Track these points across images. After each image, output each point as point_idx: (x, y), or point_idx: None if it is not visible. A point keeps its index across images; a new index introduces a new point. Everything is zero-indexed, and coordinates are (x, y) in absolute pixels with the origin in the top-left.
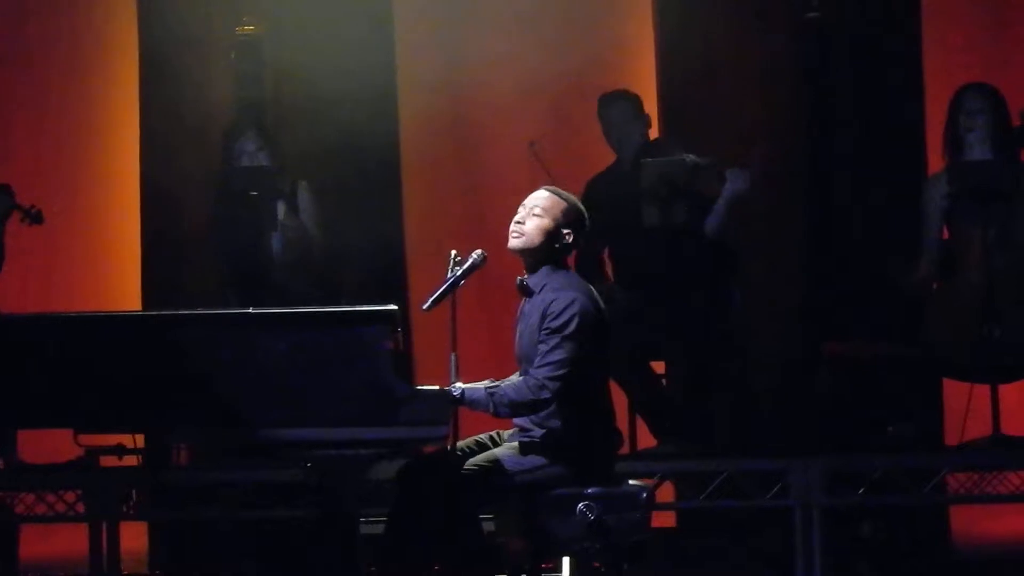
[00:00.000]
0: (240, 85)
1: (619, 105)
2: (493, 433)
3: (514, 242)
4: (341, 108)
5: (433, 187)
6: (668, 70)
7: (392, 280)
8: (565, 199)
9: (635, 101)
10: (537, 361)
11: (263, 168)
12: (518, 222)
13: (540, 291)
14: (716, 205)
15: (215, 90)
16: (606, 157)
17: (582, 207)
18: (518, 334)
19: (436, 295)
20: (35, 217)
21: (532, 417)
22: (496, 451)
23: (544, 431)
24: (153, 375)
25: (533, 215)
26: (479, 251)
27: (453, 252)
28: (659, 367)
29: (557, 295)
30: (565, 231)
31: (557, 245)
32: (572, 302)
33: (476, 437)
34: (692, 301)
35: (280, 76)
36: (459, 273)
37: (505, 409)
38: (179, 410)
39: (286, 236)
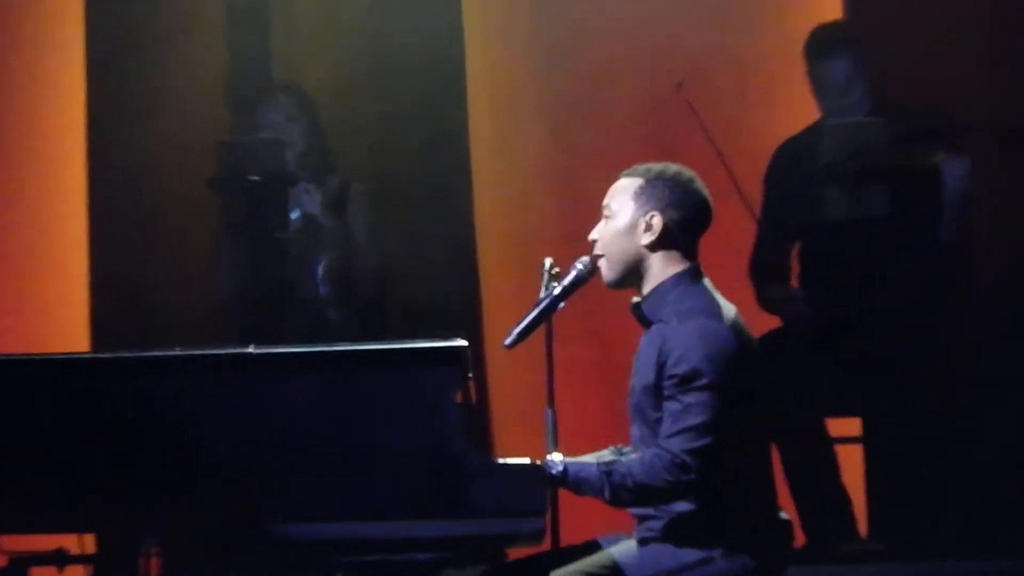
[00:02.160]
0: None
1: (838, 55)
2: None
3: (604, 274)
4: (388, 87)
5: (515, 176)
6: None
7: (460, 304)
8: (641, 172)
9: (857, 50)
10: (666, 427)
11: (300, 142)
12: (594, 240)
13: (658, 317)
14: (946, 203)
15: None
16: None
17: (674, 169)
18: (632, 380)
19: (523, 325)
20: None
21: None
22: (613, 551)
23: (667, 518)
24: (108, 443)
25: (604, 219)
26: (584, 259)
27: (547, 261)
28: (838, 428)
29: (676, 327)
30: (648, 216)
31: (647, 243)
32: (700, 336)
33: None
34: (900, 339)
35: (307, 51)
36: (556, 292)
37: (628, 494)
38: (149, 495)
39: (322, 240)
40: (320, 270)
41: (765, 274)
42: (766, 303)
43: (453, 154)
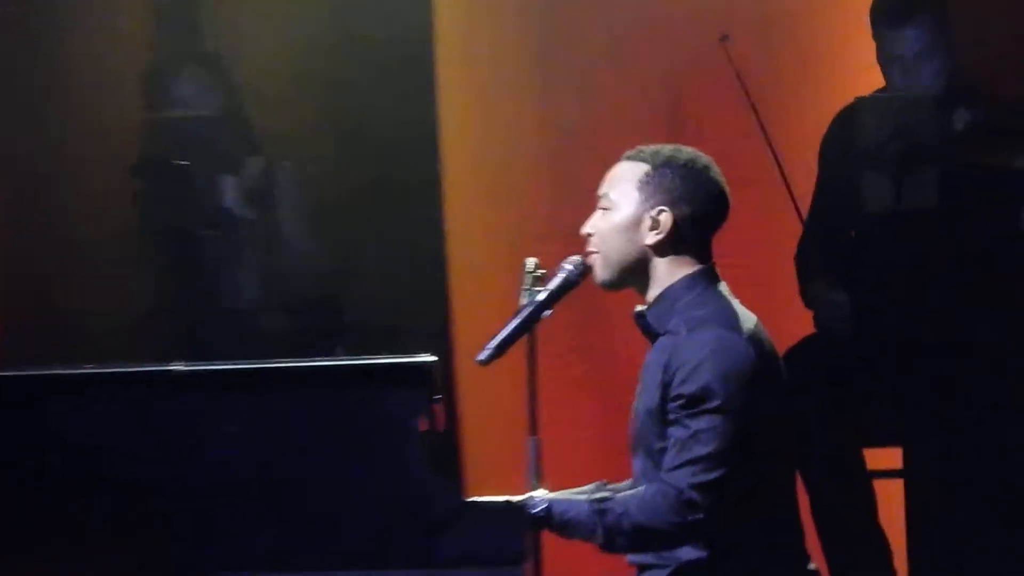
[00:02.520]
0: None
1: (909, 22)
2: None
3: (597, 274)
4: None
5: (493, 160)
6: None
7: (426, 312)
8: (647, 156)
9: (934, 19)
10: (670, 457)
11: (217, 120)
12: (588, 235)
13: (666, 328)
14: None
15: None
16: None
17: (687, 154)
18: (635, 403)
19: (501, 337)
20: None
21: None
22: None
23: (672, 567)
24: (4, 474)
25: (601, 210)
26: (575, 259)
27: (530, 261)
28: (877, 459)
29: (686, 339)
30: (655, 211)
31: (652, 243)
32: (713, 351)
33: None
34: (961, 358)
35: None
36: (541, 298)
37: (624, 538)
38: (49, 539)
39: (241, 237)
40: (241, 272)
41: (808, 266)
42: (808, 300)
43: (419, 135)
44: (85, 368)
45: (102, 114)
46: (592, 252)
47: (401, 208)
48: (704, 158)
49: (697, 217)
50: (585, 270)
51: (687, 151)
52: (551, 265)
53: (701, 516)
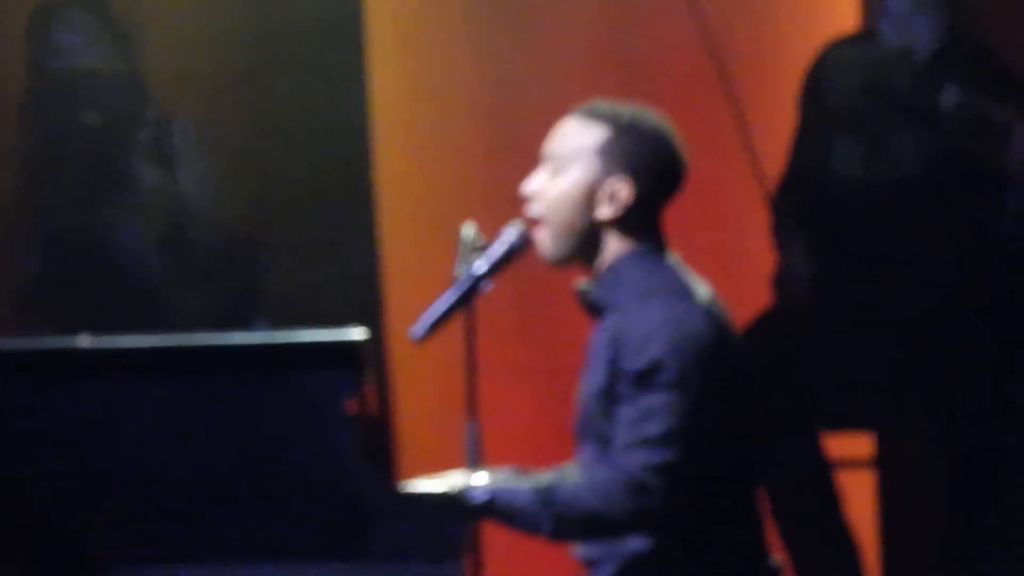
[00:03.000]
0: None
1: None
2: None
3: (539, 245)
4: None
5: (426, 112)
6: None
7: (355, 284)
8: (601, 115)
9: None
10: (621, 438)
11: (102, 70)
12: (531, 196)
13: (613, 303)
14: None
15: None
16: None
17: (652, 120)
18: (581, 386)
19: (437, 311)
20: None
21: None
22: None
23: (619, 560)
24: None
25: (548, 174)
26: (516, 225)
27: (468, 228)
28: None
29: (635, 310)
30: (612, 181)
31: (607, 217)
32: (664, 321)
33: None
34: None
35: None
36: (480, 269)
37: (573, 526)
38: None
39: (150, 205)
40: (135, 239)
41: (781, 231)
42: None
43: (344, 89)
44: None
45: None
46: (535, 219)
47: (324, 169)
48: (667, 125)
49: (656, 190)
50: (527, 241)
51: (650, 117)
52: (490, 231)
53: (656, 501)
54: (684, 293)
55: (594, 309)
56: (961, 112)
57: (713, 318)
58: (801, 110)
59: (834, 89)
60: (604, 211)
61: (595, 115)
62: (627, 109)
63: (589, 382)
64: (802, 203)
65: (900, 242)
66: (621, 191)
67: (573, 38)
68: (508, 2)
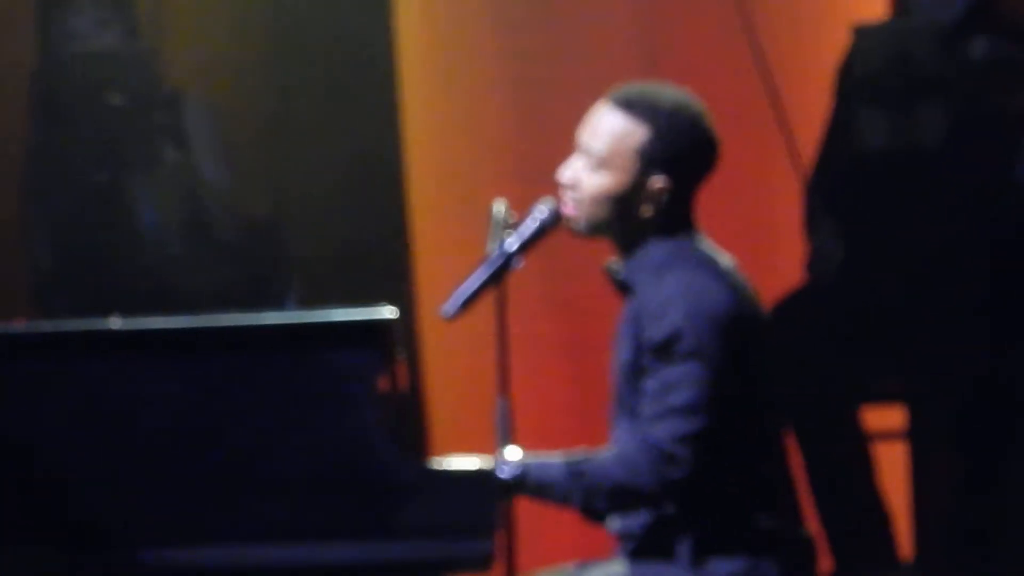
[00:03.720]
0: None
1: None
2: None
3: (572, 222)
4: None
5: (457, 91)
6: None
7: (385, 262)
8: (641, 111)
9: None
10: (646, 411)
11: (120, 52)
12: (566, 184)
13: (640, 282)
14: None
15: None
16: None
17: (692, 111)
18: (612, 363)
19: (468, 289)
20: None
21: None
22: None
23: (647, 522)
24: None
25: (587, 167)
26: (548, 202)
27: (499, 205)
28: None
29: (656, 281)
30: (651, 178)
31: (644, 208)
32: (683, 291)
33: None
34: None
35: None
36: (511, 247)
37: (603, 499)
38: None
39: (167, 185)
40: (154, 219)
41: (811, 212)
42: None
43: (372, 65)
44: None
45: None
46: (570, 206)
47: (353, 148)
48: (702, 111)
49: (693, 180)
50: (559, 218)
51: (688, 107)
52: (518, 207)
53: (683, 470)
54: (704, 264)
55: (623, 286)
56: (990, 64)
57: (732, 287)
58: (834, 89)
59: (864, 62)
60: (644, 209)
61: (634, 110)
62: (666, 100)
63: (619, 358)
64: (833, 181)
65: (930, 213)
66: (660, 189)
67: (602, 15)
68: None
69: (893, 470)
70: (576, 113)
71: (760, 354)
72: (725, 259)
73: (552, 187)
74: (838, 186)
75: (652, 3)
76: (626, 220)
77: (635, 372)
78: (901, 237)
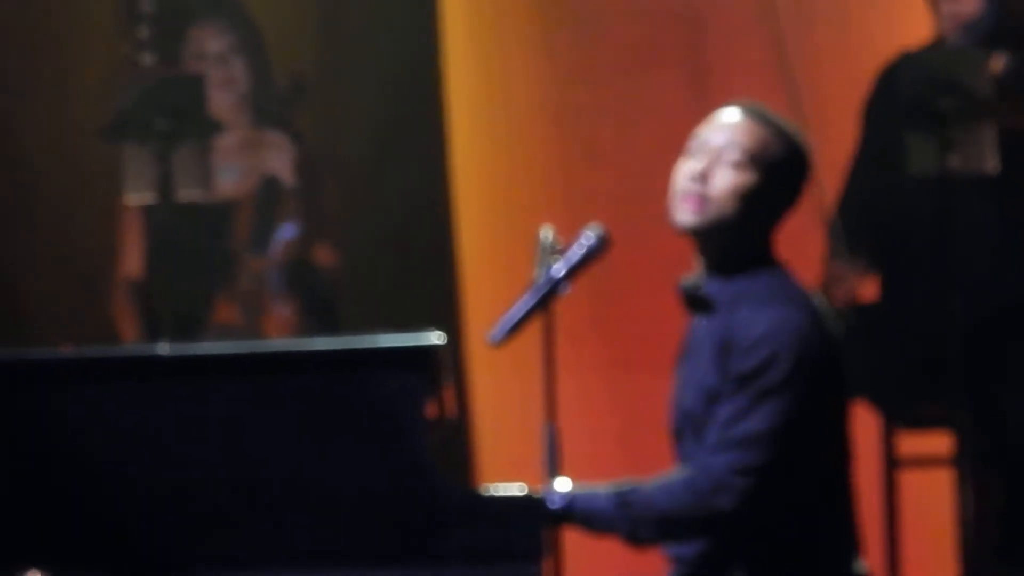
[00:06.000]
0: None
1: None
2: None
3: (686, 217)
4: None
5: (503, 115)
6: None
7: (433, 288)
8: (780, 129)
9: None
10: (714, 434)
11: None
12: (694, 179)
13: (726, 305)
14: None
15: None
16: None
17: (807, 144)
18: (679, 383)
19: (516, 315)
20: None
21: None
22: None
23: (701, 549)
24: None
25: (725, 163)
26: (595, 228)
27: (546, 231)
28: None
29: (752, 313)
30: (778, 192)
31: (765, 219)
32: (778, 330)
33: None
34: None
35: None
36: (559, 272)
37: (649, 529)
38: (17, 543)
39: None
40: (276, 248)
41: (834, 238)
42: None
43: (418, 87)
44: (61, 353)
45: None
46: (692, 200)
47: (400, 175)
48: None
49: (784, 215)
50: (606, 243)
51: (803, 140)
52: (565, 233)
53: (731, 503)
54: (803, 302)
55: (701, 306)
56: (1016, 76)
57: (821, 326)
58: (870, 114)
59: (910, 91)
60: (758, 220)
61: (773, 126)
62: (795, 129)
63: (693, 378)
64: (867, 205)
65: (971, 237)
66: (777, 209)
67: (648, 40)
68: (577, 3)
69: (939, 495)
70: (622, 138)
71: (840, 395)
72: (814, 298)
73: (599, 213)
74: (875, 210)
75: (698, 29)
76: (748, 226)
77: (714, 397)
78: (947, 262)
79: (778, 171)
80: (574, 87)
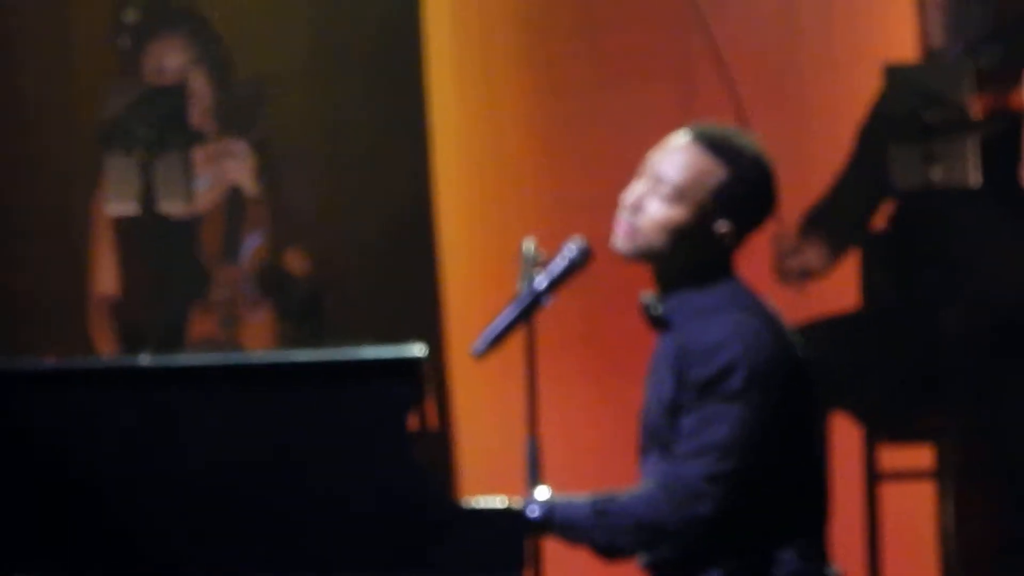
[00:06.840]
0: None
1: None
2: None
3: (618, 242)
4: None
5: (485, 126)
6: None
7: (415, 300)
8: (724, 153)
9: None
10: (681, 446)
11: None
12: (629, 207)
13: (682, 321)
14: None
15: None
16: None
17: (765, 160)
18: (644, 400)
19: (498, 327)
20: None
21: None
22: None
23: (676, 556)
24: None
25: (659, 194)
26: (577, 241)
27: (528, 243)
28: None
29: (706, 322)
30: (718, 221)
31: (704, 248)
32: (733, 335)
33: None
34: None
35: None
36: (541, 284)
37: (626, 538)
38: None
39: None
40: (246, 256)
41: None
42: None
43: (402, 95)
44: (42, 362)
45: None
46: (623, 227)
47: (382, 184)
48: (772, 164)
49: (751, 232)
50: (588, 256)
51: (764, 158)
52: (548, 244)
53: (709, 510)
54: (755, 309)
55: (659, 322)
56: (1003, 67)
57: (776, 332)
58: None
59: (896, 101)
60: (703, 251)
61: (718, 152)
62: (748, 148)
63: (656, 391)
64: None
65: (958, 248)
66: (724, 234)
67: (636, 50)
68: (563, 11)
69: (921, 508)
70: (605, 150)
71: (804, 400)
72: (768, 305)
73: (581, 225)
74: (860, 221)
75: (687, 39)
76: (679, 255)
77: (674, 409)
78: (936, 273)
79: (719, 201)
80: (557, 98)
